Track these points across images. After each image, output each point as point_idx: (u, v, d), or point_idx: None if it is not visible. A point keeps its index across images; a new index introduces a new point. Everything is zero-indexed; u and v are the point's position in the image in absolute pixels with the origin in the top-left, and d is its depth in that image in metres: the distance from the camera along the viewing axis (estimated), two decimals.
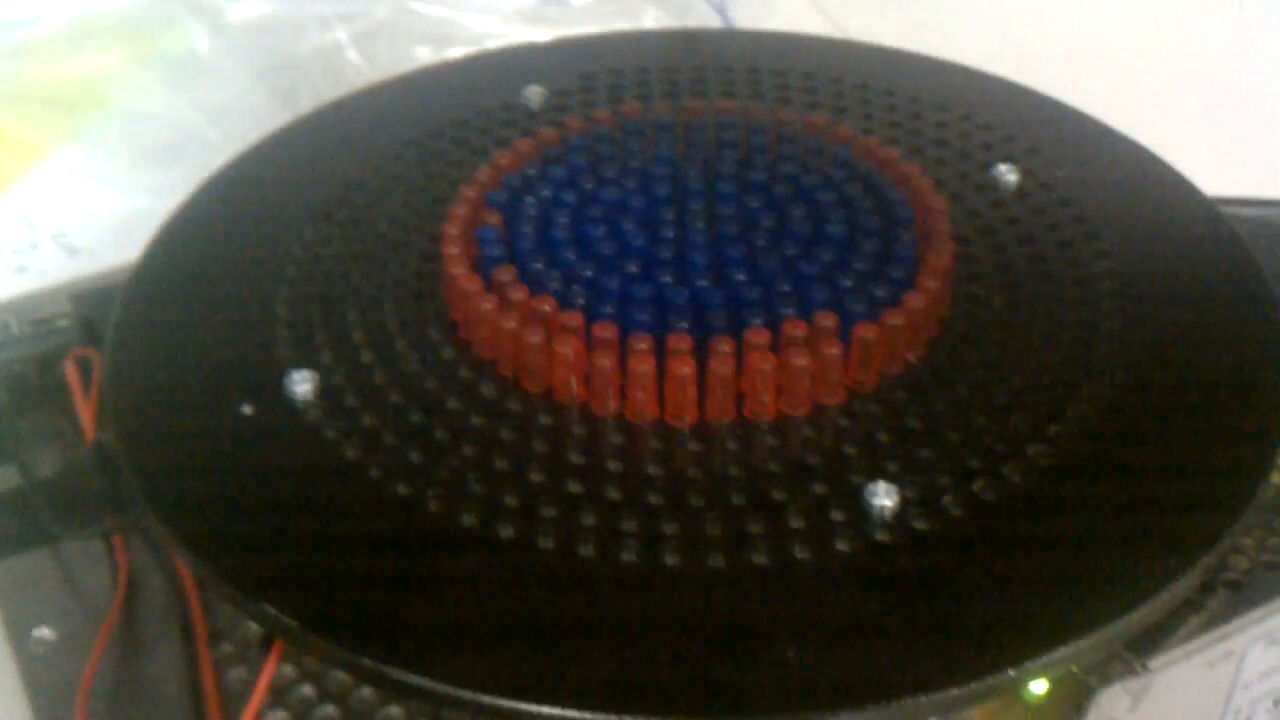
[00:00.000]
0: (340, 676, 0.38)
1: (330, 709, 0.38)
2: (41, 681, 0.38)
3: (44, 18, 0.66)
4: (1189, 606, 0.34)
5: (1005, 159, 0.45)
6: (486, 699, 0.29)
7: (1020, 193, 0.44)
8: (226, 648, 0.39)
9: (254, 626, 0.39)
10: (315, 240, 0.42)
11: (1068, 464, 0.34)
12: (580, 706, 0.29)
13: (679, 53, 0.52)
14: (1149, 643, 0.34)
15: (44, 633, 0.39)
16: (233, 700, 0.38)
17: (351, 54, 0.61)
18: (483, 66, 0.52)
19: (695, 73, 0.50)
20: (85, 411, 0.45)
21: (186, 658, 0.38)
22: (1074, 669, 0.33)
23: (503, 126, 0.47)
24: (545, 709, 0.29)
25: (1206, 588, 0.34)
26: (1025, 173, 0.44)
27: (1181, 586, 0.32)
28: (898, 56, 0.52)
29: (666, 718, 0.29)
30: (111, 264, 0.50)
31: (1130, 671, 0.33)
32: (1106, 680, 0.33)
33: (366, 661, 0.29)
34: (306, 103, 0.57)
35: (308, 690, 0.38)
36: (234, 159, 0.46)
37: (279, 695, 0.37)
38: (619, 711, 0.28)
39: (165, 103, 0.64)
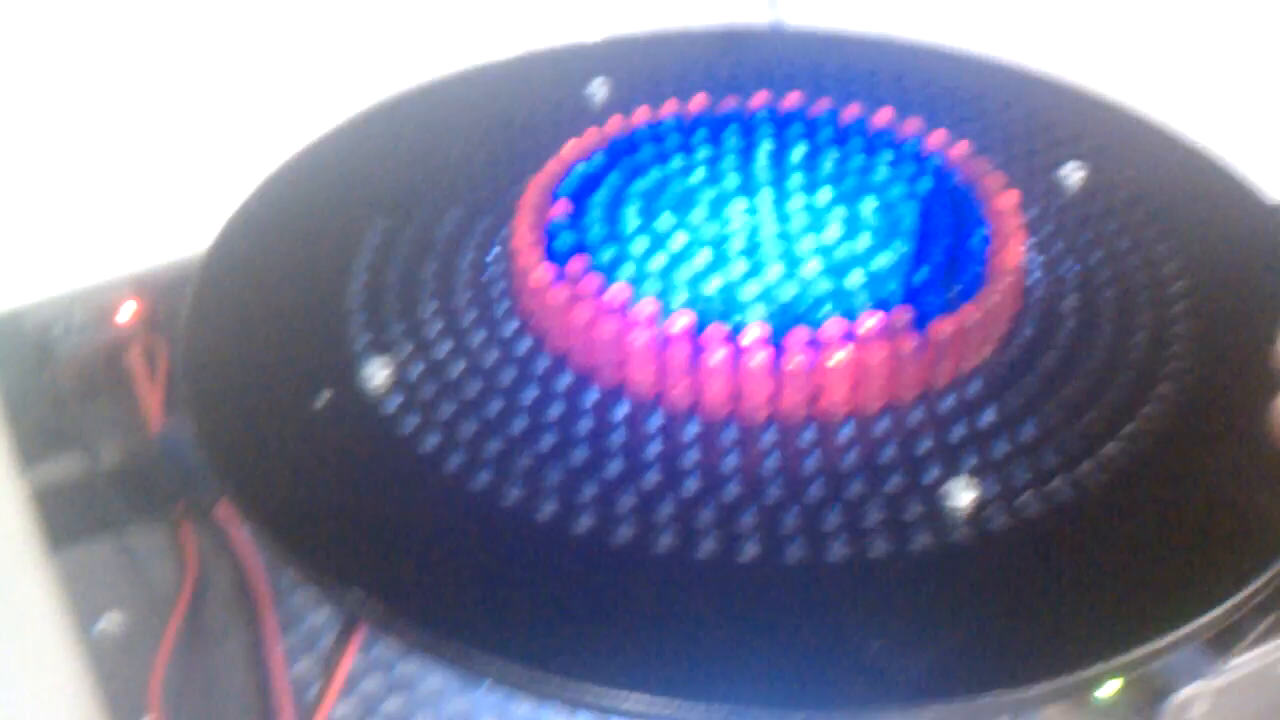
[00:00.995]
0: (407, 668, 0.38)
1: (399, 700, 0.38)
2: (110, 668, 0.39)
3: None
4: (1264, 607, 0.33)
5: (1073, 157, 0.45)
6: (570, 683, 0.29)
7: (1088, 191, 0.44)
8: (294, 637, 0.39)
9: (321, 618, 0.39)
10: (387, 230, 0.42)
11: (1143, 464, 0.34)
12: (664, 693, 0.29)
13: (740, 49, 0.52)
14: (1226, 643, 0.34)
15: (112, 620, 0.40)
16: (300, 688, 0.38)
17: (415, 49, 0.61)
18: (544, 62, 0.52)
19: (758, 69, 0.50)
20: (151, 400, 0.45)
21: (254, 646, 0.39)
22: (1151, 668, 0.33)
23: (570, 118, 0.47)
24: (629, 695, 0.29)
25: None
26: (1093, 171, 0.44)
27: (1257, 587, 0.31)
28: (960, 58, 0.52)
29: (751, 707, 0.29)
30: (172, 252, 0.51)
31: (1207, 671, 0.33)
32: (1182, 679, 0.34)
33: (453, 646, 0.29)
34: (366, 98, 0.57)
35: (377, 681, 0.38)
36: (303, 150, 0.46)
37: (347, 685, 0.38)
38: (703, 700, 0.29)
39: (225, 93, 0.64)
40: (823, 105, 0.44)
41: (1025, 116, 0.48)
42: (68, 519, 0.43)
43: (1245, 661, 0.34)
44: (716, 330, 0.35)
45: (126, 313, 0.48)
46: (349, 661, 0.35)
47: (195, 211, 0.47)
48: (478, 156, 0.46)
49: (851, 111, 0.44)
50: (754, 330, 0.35)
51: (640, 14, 0.63)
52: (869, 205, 0.40)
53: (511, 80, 0.51)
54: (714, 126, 0.43)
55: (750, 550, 0.32)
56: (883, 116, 0.43)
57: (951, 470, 0.34)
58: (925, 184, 0.40)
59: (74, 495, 0.43)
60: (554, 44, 0.54)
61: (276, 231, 0.43)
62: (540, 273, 0.37)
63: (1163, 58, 0.69)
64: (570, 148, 0.42)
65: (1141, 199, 0.43)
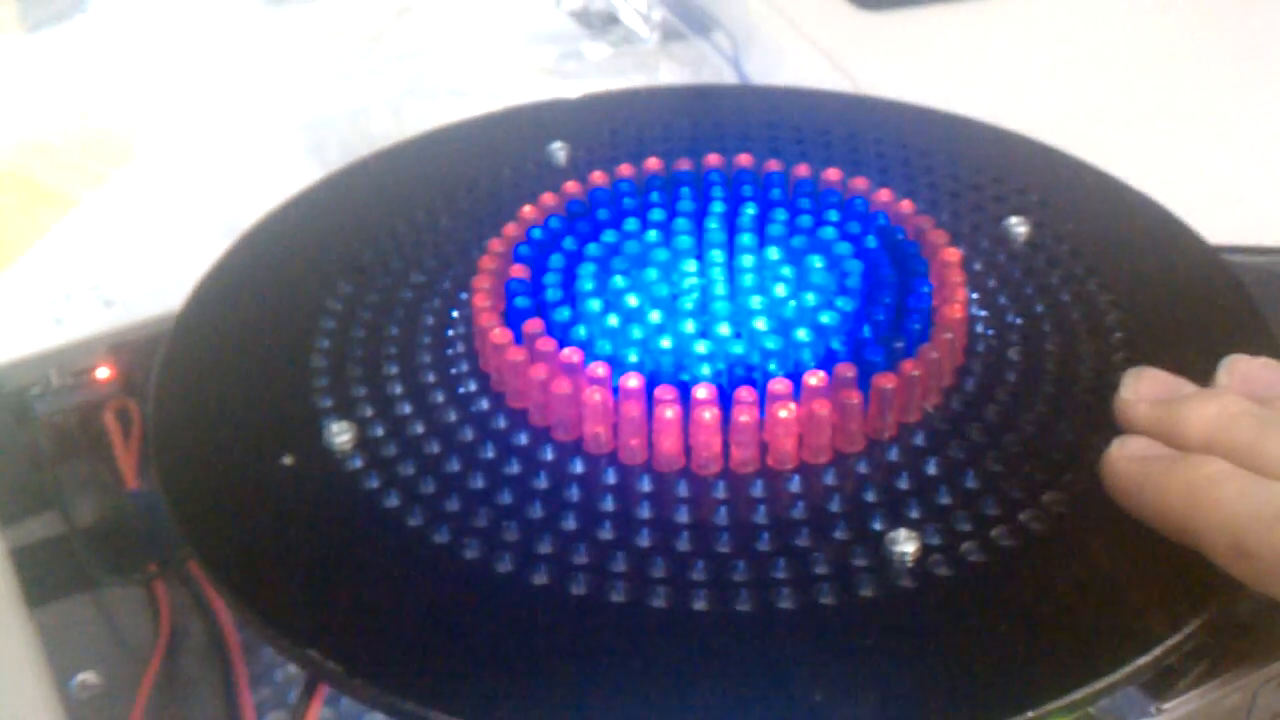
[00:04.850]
0: (377, 718, 0.39)
1: None
2: None
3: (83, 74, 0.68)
4: (1201, 650, 0.35)
5: (1017, 211, 0.46)
6: None
7: (1033, 244, 0.45)
8: (266, 691, 0.40)
9: (293, 671, 0.40)
10: (349, 293, 0.43)
11: (1083, 511, 0.35)
12: None
13: (697, 108, 0.54)
14: (1162, 685, 0.35)
15: (88, 677, 0.41)
16: None
17: (379, 111, 0.62)
18: (507, 122, 0.54)
19: (714, 128, 0.52)
20: (126, 460, 0.46)
21: (228, 701, 0.40)
22: (1089, 711, 0.34)
23: (529, 181, 0.49)
24: None
25: (1217, 630, 0.35)
26: (1036, 225, 0.46)
27: (1194, 629, 0.33)
28: (910, 110, 0.53)
29: None
30: (146, 314, 0.52)
31: (1144, 714, 0.35)
32: None
33: (410, 705, 0.30)
34: (335, 158, 0.58)
35: None
36: (269, 214, 0.48)
37: None
38: None
39: (194, 156, 0.65)
40: (772, 165, 0.45)
41: (974, 170, 0.49)
42: (44, 577, 0.43)
43: (1182, 703, 0.35)
44: (667, 389, 0.36)
45: (102, 373, 0.49)
46: (315, 715, 0.36)
47: (171, 272, 0.49)
48: (440, 218, 0.47)
49: (800, 170, 0.45)
50: (703, 388, 0.36)
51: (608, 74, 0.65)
52: (816, 263, 0.41)
53: (477, 141, 0.52)
54: (667, 188, 0.45)
55: (701, 600, 0.33)
56: (831, 175, 0.45)
57: (896, 520, 0.35)
58: (871, 241, 0.42)
59: (50, 553, 0.44)
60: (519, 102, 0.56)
61: (245, 293, 0.45)
62: (498, 333, 0.39)
63: (1103, 105, 0.71)
64: (528, 210, 0.44)
65: (1083, 250, 0.45)
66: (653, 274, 0.41)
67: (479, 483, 0.36)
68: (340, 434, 0.37)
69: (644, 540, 0.35)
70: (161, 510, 0.37)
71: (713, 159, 0.47)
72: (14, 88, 0.70)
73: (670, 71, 0.71)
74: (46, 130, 0.68)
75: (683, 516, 0.35)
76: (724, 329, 0.39)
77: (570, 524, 0.35)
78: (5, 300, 0.59)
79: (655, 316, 0.39)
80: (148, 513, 0.44)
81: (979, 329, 0.41)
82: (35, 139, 0.68)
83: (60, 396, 0.48)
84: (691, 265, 0.41)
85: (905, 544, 0.34)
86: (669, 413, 0.36)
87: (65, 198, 0.65)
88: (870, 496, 0.36)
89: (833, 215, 0.43)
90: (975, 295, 0.42)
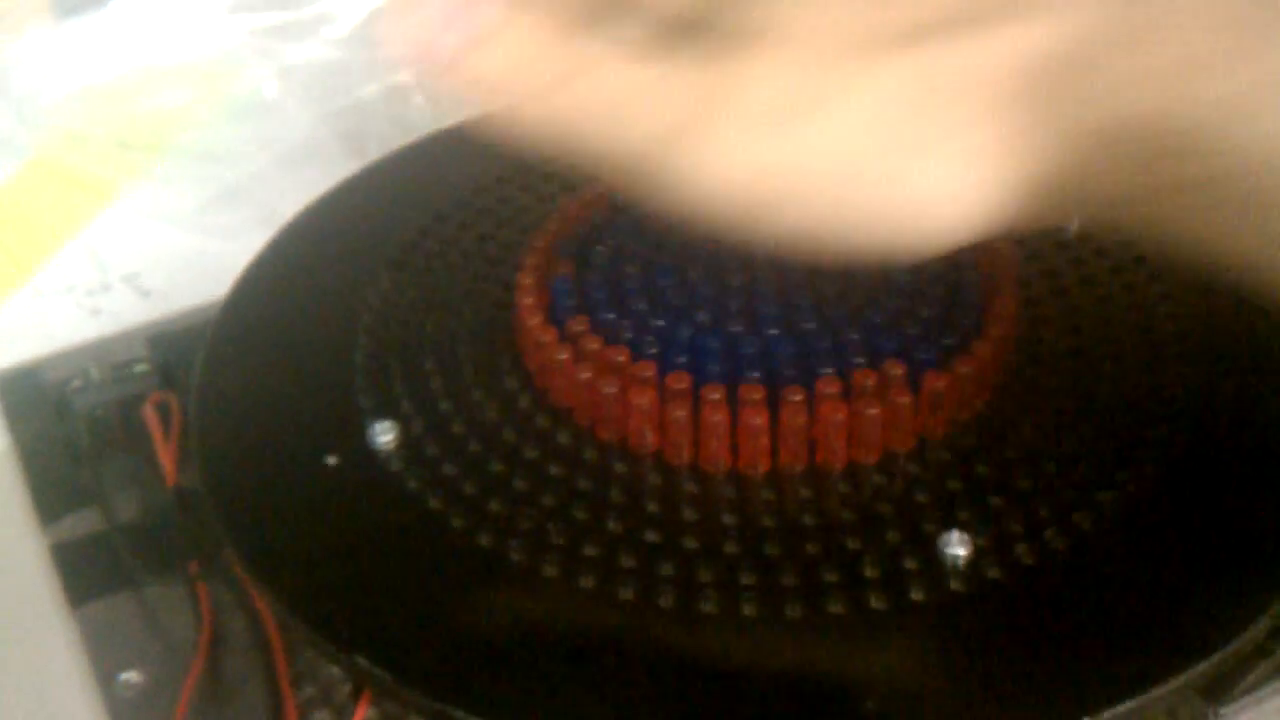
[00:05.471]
0: None
1: None
2: None
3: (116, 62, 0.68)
4: (1259, 653, 0.34)
5: None
6: None
7: (1083, 235, 0.44)
8: (310, 691, 0.40)
9: (337, 671, 0.40)
10: (391, 289, 0.43)
11: (1136, 511, 0.35)
12: None
13: None
14: (1220, 689, 0.34)
15: (131, 676, 0.40)
16: None
17: (417, 98, 0.62)
18: None
19: None
20: (166, 456, 0.46)
21: (271, 702, 0.39)
22: (1146, 717, 0.33)
23: (570, 172, 0.48)
24: None
25: (1277, 633, 0.34)
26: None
27: (1252, 634, 0.32)
28: None
29: None
30: (184, 306, 0.52)
31: (1201, 719, 0.34)
32: None
33: (457, 712, 0.30)
34: (373, 146, 0.58)
35: None
36: (309, 206, 0.47)
37: None
38: None
39: (232, 146, 0.65)
40: None
41: None
42: (85, 575, 0.43)
43: (1239, 708, 0.34)
44: (714, 389, 0.36)
45: (141, 367, 0.49)
46: (362, 716, 0.36)
47: (209, 263, 0.48)
48: (480, 210, 0.47)
49: None
50: (751, 389, 0.35)
51: None
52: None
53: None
54: None
55: (750, 605, 0.33)
56: None
57: (948, 521, 0.34)
58: None
59: (92, 551, 0.44)
60: None
61: (287, 287, 0.44)
62: (541, 331, 0.38)
63: None
64: (573, 204, 0.43)
65: (1135, 240, 0.44)
66: (700, 271, 0.40)
67: (522, 484, 0.36)
68: (384, 434, 0.37)
69: (691, 543, 0.34)
70: (203, 508, 0.37)
71: None
72: (48, 77, 0.70)
73: None
74: (83, 120, 0.68)
75: (729, 519, 0.35)
76: (772, 329, 0.38)
77: (615, 526, 0.35)
78: (43, 292, 0.58)
79: (702, 314, 0.38)
80: (189, 510, 0.44)
81: (1030, 323, 0.41)
82: (72, 128, 0.68)
83: (99, 390, 0.48)
84: (738, 262, 0.41)
85: (957, 546, 0.33)
86: (716, 413, 0.35)
87: (102, 187, 0.65)
88: (921, 497, 0.35)
89: None
90: (1027, 289, 0.42)
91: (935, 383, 0.36)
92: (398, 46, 0.28)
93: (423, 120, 0.58)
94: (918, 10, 0.27)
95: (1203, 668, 0.31)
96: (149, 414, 0.47)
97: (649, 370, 0.36)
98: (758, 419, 0.35)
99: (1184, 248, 0.27)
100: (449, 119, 0.52)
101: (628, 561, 0.34)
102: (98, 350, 0.50)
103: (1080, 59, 0.27)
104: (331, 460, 0.37)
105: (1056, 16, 0.27)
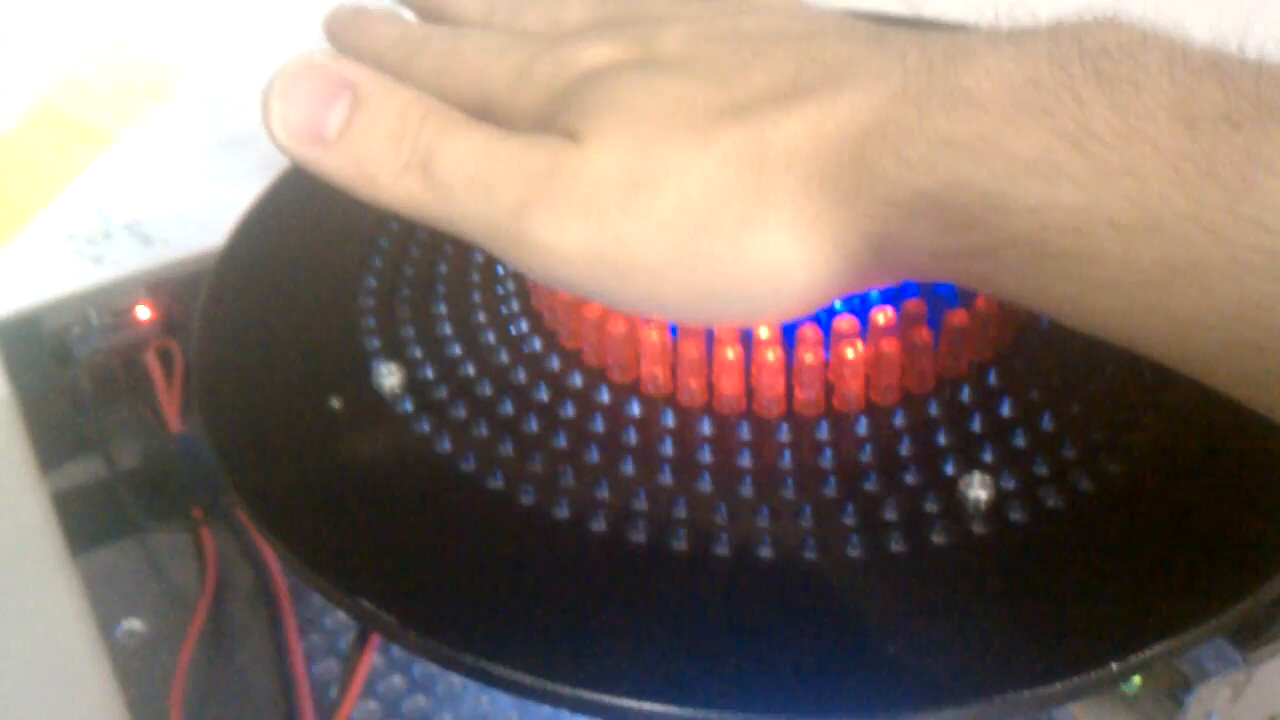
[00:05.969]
0: (429, 667, 0.38)
1: (420, 699, 0.38)
2: (132, 672, 0.39)
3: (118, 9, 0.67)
4: None
5: None
6: (584, 694, 0.29)
7: None
8: (315, 638, 0.39)
9: (342, 618, 0.39)
10: (398, 230, 0.42)
11: (1164, 453, 0.34)
12: (678, 703, 0.28)
13: None
14: (1249, 635, 0.33)
15: (134, 624, 0.40)
16: (322, 690, 0.38)
17: None
18: None
19: None
20: (168, 402, 0.45)
21: (276, 648, 0.39)
22: (1175, 662, 0.32)
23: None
24: (641, 704, 0.29)
25: None
26: None
27: None
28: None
29: (763, 715, 0.28)
30: (187, 253, 0.51)
31: (1231, 664, 0.33)
32: (1206, 673, 0.33)
33: (465, 656, 0.29)
34: None
35: (397, 680, 0.38)
36: None
37: (367, 685, 0.38)
38: (718, 708, 0.28)
39: (235, 91, 0.64)
40: None
41: None
42: (87, 522, 0.43)
43: (1269, 653, 0.33)
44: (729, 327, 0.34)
45: (143, 313, 0.48)
46: (367, 662, 0.35)
47: (212, 209, 0.47)
48: None
49: None
50: (765, 326, 0.34)
51: None
52: None
53: None
54: None
55: (767, 549, 0.32)
56: None
57: (970, 464, 0.33)
58: None
59: (93, 498, 0.43)
60: None
61: (288, 231, 0.43)
62: None
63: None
64: None
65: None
66: None
67: (533, 426, 0.35)
68: (389, 375, 0.36)
69: (706, 486, 0.33)
70: (206, 454, 0.36)
71: None
72: (47, 22, 0.69)
73: None
74: (82, 65, 0.67)
75: (745, 461, 0.34)
76: None
77: (629, 469, 0.34)
78: (43, 239, 0.58)
79: None
80: (192, 457, 0.43)
81: None
82: (71, 74, 0.67)
83: (100, 337, 0.47)
84: None
85: (979, 489, 0.32)
86: (730, 352, 0.34)
87: (102, 134, 0.64)
88: (941, 440, 0.34)
89: None
90: None
91: (956, 320, 0.35)
92: (281, 135, 0.31)
93: None
94: (746, 88, 0.29)
95: (1233, 613, 0.30)
96: (151, 360, 0.46)
97: None
98: (773, 358, 0.34)
99: (1022, 302, 0.28)
100: None
101: (640, 505, 0.33)
102: (99, 297, 0.49)
103: (884, 129, 0.27)
104: (336, 403, 0.36)
105: (868, 86, 0.28)
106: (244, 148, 0.59)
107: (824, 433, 0.34)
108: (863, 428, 0.35)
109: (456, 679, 0.39)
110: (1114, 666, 0.29)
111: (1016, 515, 0.32)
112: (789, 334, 0.35)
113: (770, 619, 0.30)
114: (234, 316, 0.40)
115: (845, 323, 0.35)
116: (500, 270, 0.40)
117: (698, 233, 0.29)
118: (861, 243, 0.28)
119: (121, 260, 0.55)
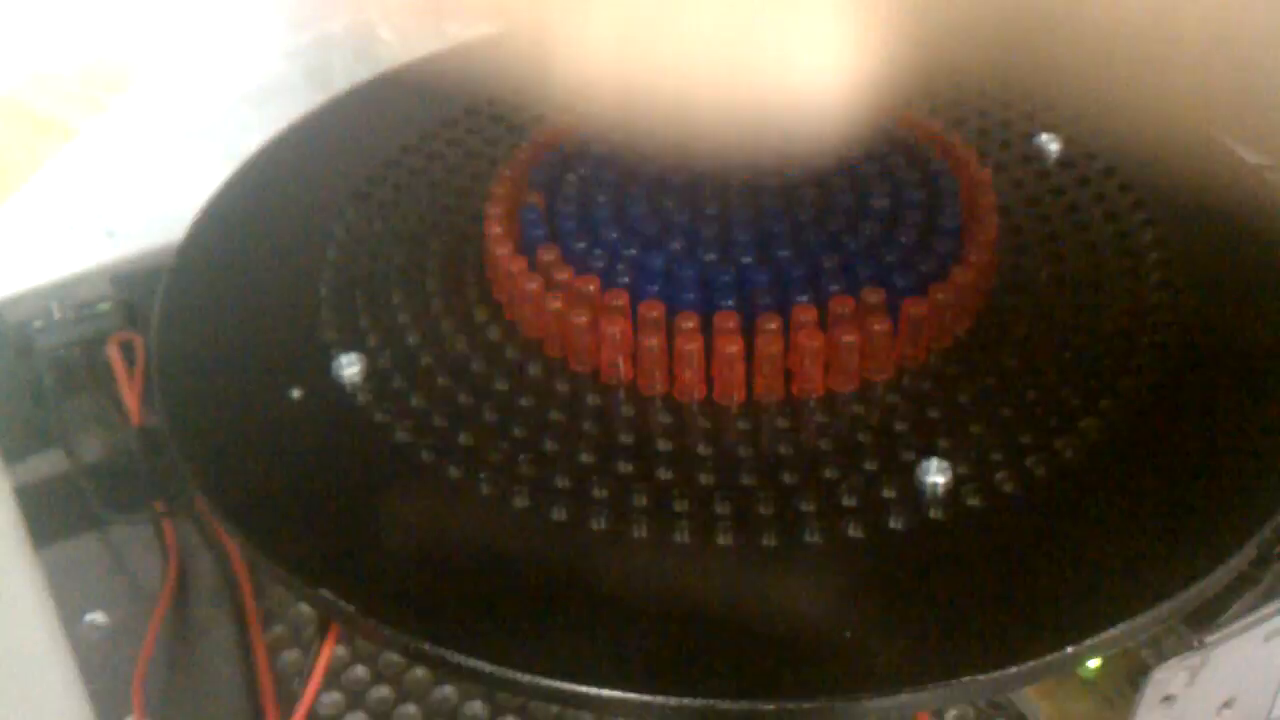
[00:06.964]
0: (393, 658, 0.38)
1: (384, 690, 0.38)
2: (96, 665, 0.39)
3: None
4: (1244, 581, 0.33)
5: (1048, 127, 0.44)
6: (541, 681, 0.29)
7: (1064, 161, 0.43)
8: (279, 630, 0.39)
9: (306, 609, 0.39)
10: (356, 220, 0.42)
11: (1120, 438, 0.34)
12: (633, 689, 0.29)
13: None
14: (1205, 618, 0.34)
15: (97, 617, 0.40)
16: (286, 682, 0.38)
17: (384, 31, 0.61)
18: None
19: None
20: (130, 395, 0.45)
21: (239, 641, 0.39)
22: (1131, 645, 0.32)
23: (540, 103, 0.47)
24: (599, 691, 0.29)
25: (1262, 561, 0.33)
26: (1068, 142, 0.44)
27: (1237, 561, 0.31)
28: None
29: (721, 701, 0.29)
30: (149, 245, 0.50)
31: (1187, 647, 0.33)
32: (1163, 656, 0.33)
33: (425, 646, 0.29)
34: (339, 82, 0.56)
35: (361, 671, 0.38)
36: (271, 140, 0.46)
37: (332, 677, 0.38)
38: (675, 694, 0.28)
39: (197, 84, 0.64)
40: None
41: (1003, 85, 0.47)
42: (49, 515, 0.42)
43: (1224, 636, 0.33)
44: (687, 317, 0.35)
45: (105, 306, 0.48)
46: (329, 653, 0.35)
47: (174, 201, 0.47)
48: (448, 141, 0.46)
49: None
50: (725, 316, 0.35)
51: None
52: (840, 185, 0.39)
53: (482, 62, 0.50)
54: None
55: (725, 535, 0.32)
56: None
57: (927, 450, 0.34)
58: (897, 161, 0.40)
59: (55, 491, 0.43)
60: None
61: (249, 222, 0.43)
62: (511, 261, 0.37)
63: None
64: (540, 132, 0.42)
65: (1117, 168, 0.43)
66: (673, 199, 0.39)
67: (492, 416, 0.35)
68: (349, 365, 0.36)
69: (665, 474, 0.33)
70: (168, 446, 0.36)
71: None
72: (8, 15, 0.68)
73: None
74: (43, 58, 0.67)
75: (704, 449, 0.34)
76: (746, 256, 0.37)
77: (587, 458, 0.34)
78: (4, 232, 0.57)
79: (675, 242, 0.37)
80: (154, 449, 0.43)
81: (1010, 251, 0.40)
82: (32, 67, 0.66)
83: (62, 330, 0.47)
84: (711, 189, 0.40)
85: (936, 474, 0.33)
86: (690, 342, 0.34)
87: (63, 127, 0.63)
88: (899, 426, 0.34)
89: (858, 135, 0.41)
90: (1006, 215, 0.41)
91: (914, 309, 0.35)
92: None
93: (389, 54, 0.57)
94: None
95: (1186, 596, 0.30)
96: (113, 353, 0.46)
97: (621, 299, 0.35)
98: (732, 347, 0.34)
99: None
100: (415, 53, 0.51)
101: (600, 493, 0.33)
102: (60, 290, 0.49)
103: None
104: (296, 394, 0.36)
105: None
106: (207, 139, 0.59)
107: (783, 421, 0.35)
108: (822, 416, 0.35)
109: (422, 671, 0.39)
110: (1070, 650, 0.29)
111: (973, 500, 0.32)
112: (748, 323, 0.35)
113: (729, 605, 0.31)
114: (194, 308, 0.40)
115: (804, 311, 0.35)
116: (461, 260, 0.40)
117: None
118: None
119: (84, 253, 0.55)
